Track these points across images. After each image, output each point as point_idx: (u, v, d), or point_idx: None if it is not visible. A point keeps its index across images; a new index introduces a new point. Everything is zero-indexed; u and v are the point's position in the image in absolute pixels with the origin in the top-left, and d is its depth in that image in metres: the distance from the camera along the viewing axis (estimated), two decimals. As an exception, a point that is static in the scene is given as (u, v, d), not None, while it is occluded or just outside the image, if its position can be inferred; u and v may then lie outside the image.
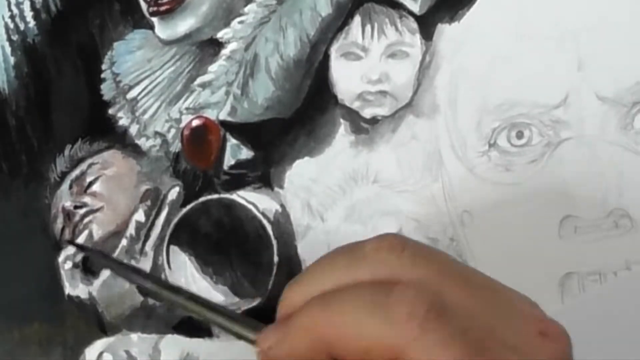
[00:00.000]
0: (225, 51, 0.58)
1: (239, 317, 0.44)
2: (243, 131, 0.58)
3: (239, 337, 0.44)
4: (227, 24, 0.58)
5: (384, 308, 0.38)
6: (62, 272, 0.59)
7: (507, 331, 0.38)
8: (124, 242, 0.59)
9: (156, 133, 0.59)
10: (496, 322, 0.38)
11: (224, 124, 0.58)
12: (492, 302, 0.39)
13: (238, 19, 0.58)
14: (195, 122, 0.58)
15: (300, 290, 0.42)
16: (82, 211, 0.60)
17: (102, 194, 0.60)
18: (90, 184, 0.60)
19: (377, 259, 0.41)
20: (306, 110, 0.58)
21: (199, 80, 0.59)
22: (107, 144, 0.60)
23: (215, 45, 0.59)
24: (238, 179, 0.59)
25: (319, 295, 0.40)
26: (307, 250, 0.58)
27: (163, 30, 0.59)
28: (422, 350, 0.37)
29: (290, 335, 0.40)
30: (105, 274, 0.59)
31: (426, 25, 0.57)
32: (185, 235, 0.59)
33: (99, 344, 0.59)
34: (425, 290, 0.38)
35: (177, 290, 0.52)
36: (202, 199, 0.59)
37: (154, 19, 0.59)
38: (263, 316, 0.58)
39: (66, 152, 0.60)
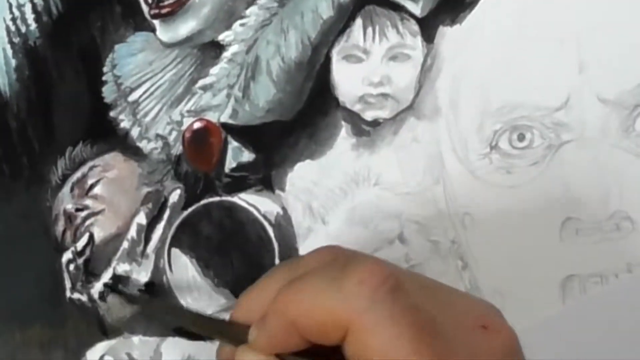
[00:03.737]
0: (227, 54, 0.58)
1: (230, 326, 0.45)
2: (244, 134, 0.58)
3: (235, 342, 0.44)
4: (228, 27, 0.58)
5: (338, 279, 0.38)
6: (65, 274, 0.59)
7: (448, 323, 0.38)
8: (125, 244, 0.59)
9: (157, 136, 0.59)
10: (438, 314, 0.38)
11: (225, 126, 0.58)
12: (433, 296, 0.39)
13: (239, 22, 0.58)
14: (197, 125, 0.58)
15: (250, 296, 0.44)
16: (83, 214, 0.60)
17: (104, 197, 0.60)
18: (92, 186, 0.60)
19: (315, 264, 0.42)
20: (307, 113, 0.58)
21: (201, 82, 0.59)
22: (109, 146, 0.60)
23: (217, 48, 0.59)
24: (239, 181, 0.59)
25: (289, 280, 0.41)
26: (309, 253, 0.58)
27: (164, 32, 0.59)
28: (370, 322, 0.36)
29: (267, 323, 0.40)
30: (107, 276, 0.59)
31: (428, 27, 0.57)
32: (187, 237, 0.59)
33: (100, 347, 0.59)
34: (381, 265, 0.38)
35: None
36: (203, 201, 0.59)
37: (156, 22, 0.59)
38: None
39: (67, 154, 0.60)
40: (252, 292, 0.44)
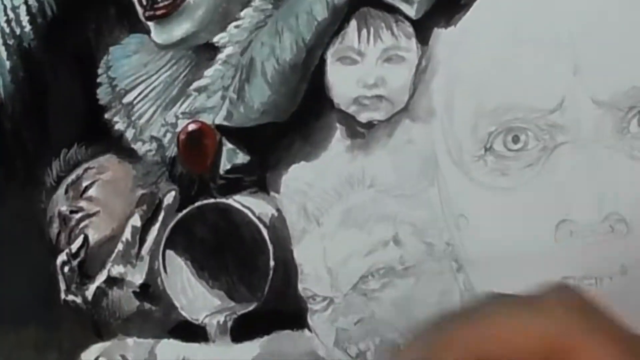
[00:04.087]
0: (221, 55, 0.58)
1: None
2: (239, 135, 0.58)
3: None
4: (223, 28, 0.58)
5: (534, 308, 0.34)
6: (59, 276, 0.59)
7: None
8: (119, 246, 0.59)
9: (152, 137, 0.59)
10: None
11: (220, 128, 0.58)
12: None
13: (234, 23, 0.58)
14: (191, 127, 0.58)
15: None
16: (77, 216, 0.60)
17: (98, 199, 0.60)
18: (86, 188, 0.60)
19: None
20: (302, 115, 0.58)
21: (195, 84, 0.59)
22: (103, 148, 0.60)
23: (211, 50, 0.59)
24: (234, 183, 0.59)
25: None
26: (303, 255, 0.58)
27: (159, 34, 0.59)
28: (594, 343, 0.33)
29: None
30: (101, 278, 0.59)
31: (422, 29, 0.57)
32: (181, 239, 0.59)
33: (95, 349, 0.59)
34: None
35: None
36: (198, 203, 0.59)
37: (150, 24, 0.59)
38: (259, 320, 0.58)
39: (62, 156, 0.60)
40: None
